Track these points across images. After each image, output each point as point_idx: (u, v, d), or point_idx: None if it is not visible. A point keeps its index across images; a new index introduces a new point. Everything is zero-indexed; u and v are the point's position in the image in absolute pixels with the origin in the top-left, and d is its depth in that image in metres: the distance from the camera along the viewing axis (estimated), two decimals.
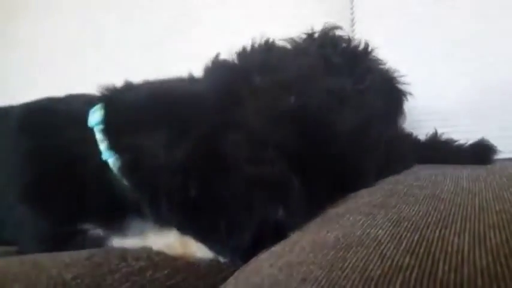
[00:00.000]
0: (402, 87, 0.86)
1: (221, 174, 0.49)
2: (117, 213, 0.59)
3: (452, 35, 1.05)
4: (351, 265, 0.37)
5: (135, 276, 0.53)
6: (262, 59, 0.60)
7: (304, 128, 0.55)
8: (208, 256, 0.56)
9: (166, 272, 0.55)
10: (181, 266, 0.57)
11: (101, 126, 0.59)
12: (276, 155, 0.51)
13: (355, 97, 0.65)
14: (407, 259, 0.36)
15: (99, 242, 0.63)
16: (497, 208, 0.48)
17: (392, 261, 0.36)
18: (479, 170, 0.75)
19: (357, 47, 0.81)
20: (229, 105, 0.53)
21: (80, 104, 0.65)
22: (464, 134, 0.92)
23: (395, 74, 0.85)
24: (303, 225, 0.53)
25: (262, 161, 0.50)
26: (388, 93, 0.81)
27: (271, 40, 0.62)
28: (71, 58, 1.45)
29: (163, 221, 0.55)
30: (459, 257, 0.34)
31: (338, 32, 0.80)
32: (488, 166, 0.82)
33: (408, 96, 0.87)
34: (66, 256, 0.56)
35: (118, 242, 0.64)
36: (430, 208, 0.52)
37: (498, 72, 1.00)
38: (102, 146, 0.58)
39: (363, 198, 0.64)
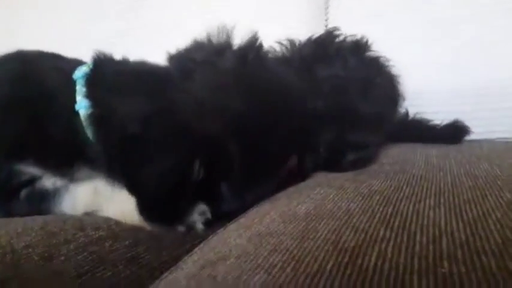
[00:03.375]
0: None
1: (159, 119, 0.54)
2: (70, 158, 0.62)
3: (429, 15, 1.03)
4: (323, 236, 0.35)
5: (93, 246, 0.50)
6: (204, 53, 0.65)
7: (247, 87, 0.58)
8: None
9: (127, 242, 0.53)
10: (143, 237, 0.54)
11: (83, 79, 0.62)
12: (219, 119, 0.54)
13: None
14: (381, 232, 0.34)
15: (46, 195, 0.63)
16: (470, 184, 0.47)
17: (366, 233, 0.35)
18: (448, 149, 0.75)
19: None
20: (183, 79, 0.58)
21: (73, 62, 0.69)
22: (437, 115, 0.92)
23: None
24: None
25: (203, 121, 0.53)
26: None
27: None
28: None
29: (114, 174, 0.59)
30: (436, 230, 0.33)
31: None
32: (456, 146, 0.83)
33: None
34: (19, 224, 0.53)
35: (67, 194, 0.62)
36: (402, 183, 0.51)
37: (474, 54, 1.00)
38: (79, 95, 0.61)
39: (333, 173, 0.63)
